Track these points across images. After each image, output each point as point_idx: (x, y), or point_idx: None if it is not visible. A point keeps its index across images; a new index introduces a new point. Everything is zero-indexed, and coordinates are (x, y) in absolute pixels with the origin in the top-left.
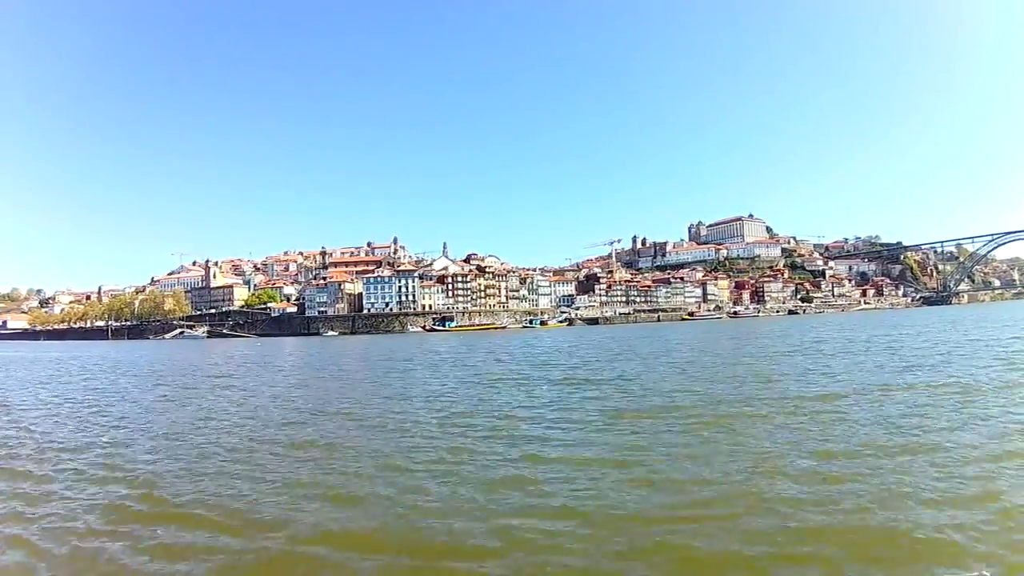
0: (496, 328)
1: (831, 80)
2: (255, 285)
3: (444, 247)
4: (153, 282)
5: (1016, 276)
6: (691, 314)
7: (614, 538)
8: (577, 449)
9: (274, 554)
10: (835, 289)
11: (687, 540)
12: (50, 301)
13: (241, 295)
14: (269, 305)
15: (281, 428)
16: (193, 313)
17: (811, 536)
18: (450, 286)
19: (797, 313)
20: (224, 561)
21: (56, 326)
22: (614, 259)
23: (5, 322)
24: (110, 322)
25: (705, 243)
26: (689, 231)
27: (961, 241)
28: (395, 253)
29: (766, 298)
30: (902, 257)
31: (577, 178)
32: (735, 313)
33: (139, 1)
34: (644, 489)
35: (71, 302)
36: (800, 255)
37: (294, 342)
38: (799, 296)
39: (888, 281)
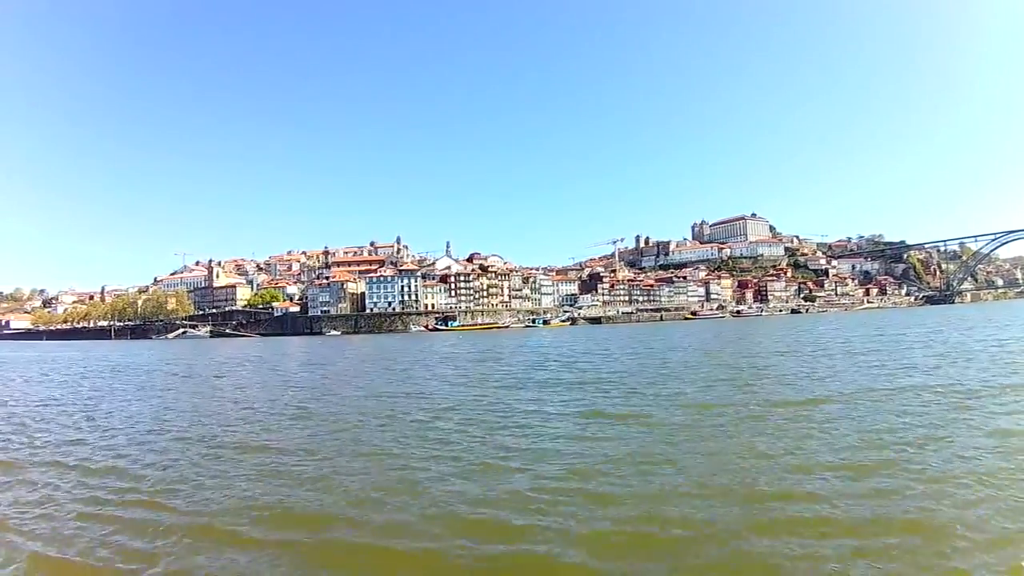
0: (499, 328)
1: (834, 79)
2: (258, 285)
3: (447, 246)
4: (156, 282)
5: (1019, 275)
6: (694, 313)
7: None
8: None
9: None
10: (838, 288)
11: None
12: (53, 301)
13: (244, 295)
14: (272, 305)
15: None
16: (196, 313)
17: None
18: (453, 285)
19: (800, 312)
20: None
21: (59, 326)
22: (617, 258)
23: (8, 322)
24: (113, 322)
25: (708, 242)
26: (692, 230)
27: (964, 240)
28: (398, 252)
29: (769, 297)
30: (905, 256)
31: (580, 178)
32: (738, 312)
33: (143, 1)
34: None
35: (74, 302)
36: (803, 254)
37: (296, 341)
38: (802, 295)
39: (891, 280)
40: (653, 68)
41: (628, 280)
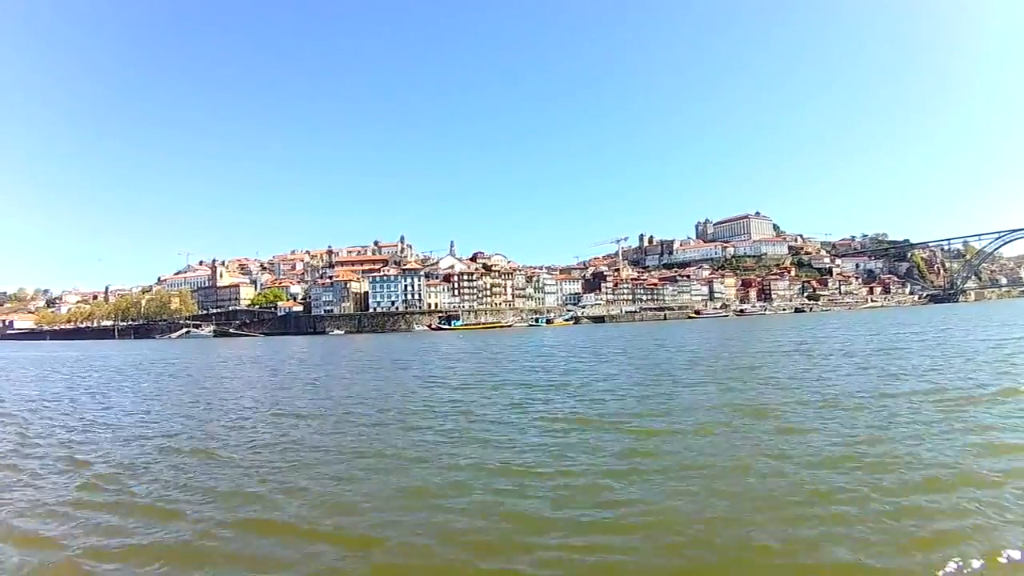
0: (502, 327)
1: (837, 78)
2: (261, 284)
3: (451, 246)
4: (160, 282)
5: (1023, 273)
6: (697, 312)
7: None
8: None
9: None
10: (842, 287)
11: None
12: (57, 301)
13: (247, 294)
14: (276, 304)
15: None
16: (199, 312)
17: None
18: (456, 285)
19: (804, 311)
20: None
21: (63, 326)
22: (621, 257)
23: (12, 322)
24: (117, 322)
25: (712, 241)
26: (696, 229)
27: (968, 239)
28: (402, 252)
29: (773, 296)
30: (909, 255)
31: (584, 177)
32: (742, 311)
33: (143, 1)
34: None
35: (78, 302)
36: (807, 253)
37: (298, 341)
38: (806, 294)
39: (895, 279)
40: (653, 68)
41: (632, 279)
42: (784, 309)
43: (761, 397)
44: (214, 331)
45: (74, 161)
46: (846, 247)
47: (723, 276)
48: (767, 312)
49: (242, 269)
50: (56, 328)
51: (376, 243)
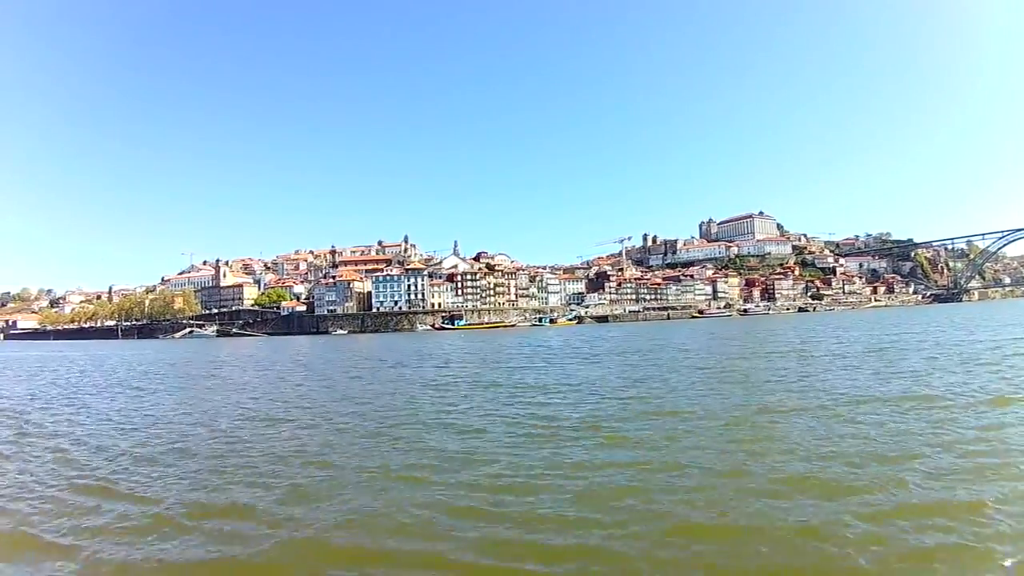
0: (505, 327)
1: (840, 77)
2: (265, 284)
3: (455, 245)
4: (163, 281)
5: None
6: (701, 312)
7: None
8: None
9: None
10: (846, 286)
11: None
12: (60, 301)
13: (251, 294)
14: (279, 304)
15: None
16: (203, 312)
17: None
18: (459, 284)
19: (807, 311)
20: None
21: (66, 326)
22: (624, 257)
23: (15, 322)
24: (120, 322)
25: (716, 240)
26: (700, 229)
27: (971, 238)
28: (405, 252)
29: (776, 296)
30: (913, 254)
31: (588, 176)
32: (745, 311)
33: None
34: None
35: (81, 302)
36: (811, 252)
37: (300, 341)
38: (810, 294)
39: (899, 278)
40: (654, 68)
41: (635, 279)
42: (788, 309)
43: (764, 398)
44: (217, 331)
45: (78, 161)
46: (850, 246)
47: (727, 276)
48: (771, 312)
49: (246, 269)
50: (60, 328)
51: (380, 243)
